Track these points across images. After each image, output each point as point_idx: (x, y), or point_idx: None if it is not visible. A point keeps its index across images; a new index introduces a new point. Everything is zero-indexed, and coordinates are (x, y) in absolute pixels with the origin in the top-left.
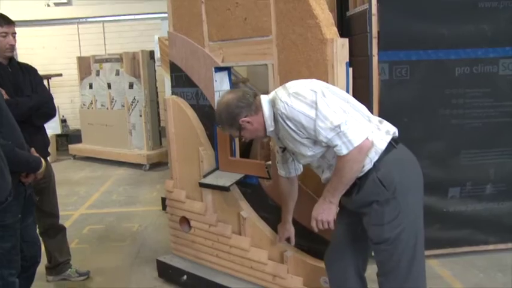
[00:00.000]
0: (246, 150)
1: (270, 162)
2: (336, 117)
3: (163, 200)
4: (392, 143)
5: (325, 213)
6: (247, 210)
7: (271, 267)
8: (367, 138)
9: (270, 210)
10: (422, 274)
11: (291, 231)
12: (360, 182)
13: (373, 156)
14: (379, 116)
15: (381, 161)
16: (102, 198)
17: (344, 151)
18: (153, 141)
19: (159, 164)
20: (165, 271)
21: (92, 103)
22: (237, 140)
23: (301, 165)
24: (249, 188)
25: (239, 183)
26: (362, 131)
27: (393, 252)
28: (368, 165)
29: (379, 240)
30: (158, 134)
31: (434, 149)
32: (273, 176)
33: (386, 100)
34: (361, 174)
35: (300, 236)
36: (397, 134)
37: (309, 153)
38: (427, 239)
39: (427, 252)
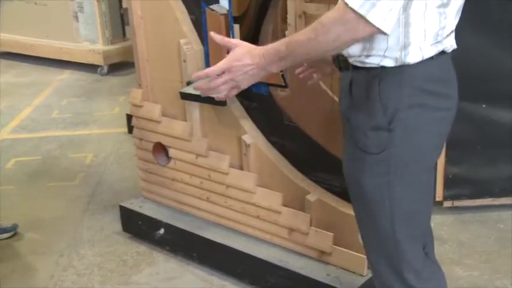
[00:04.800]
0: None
1: None
2: None
3: (129, 118)
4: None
5: (242, 74)
6: (252, 134)
7: (286, 217)
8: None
9: (285, 134)
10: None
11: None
12: (354, 78)
13: (396, 54)
14: None
15: (401, 68)
16: (36, 115)
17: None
18: (113, 30)
19: (122, 65)
20: (132, 222)
21: None
22: (236, 28)
23: None
24: (255, 101)
25: (240, 93)
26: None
27: (352, 199)
28: (376, 57)
29: (343, 168)
30: (120, 19)
31: None
32: (292, 83)
33: None
34: (365, 63)
35: (330, 172)
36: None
37: None
38: None
39: None
